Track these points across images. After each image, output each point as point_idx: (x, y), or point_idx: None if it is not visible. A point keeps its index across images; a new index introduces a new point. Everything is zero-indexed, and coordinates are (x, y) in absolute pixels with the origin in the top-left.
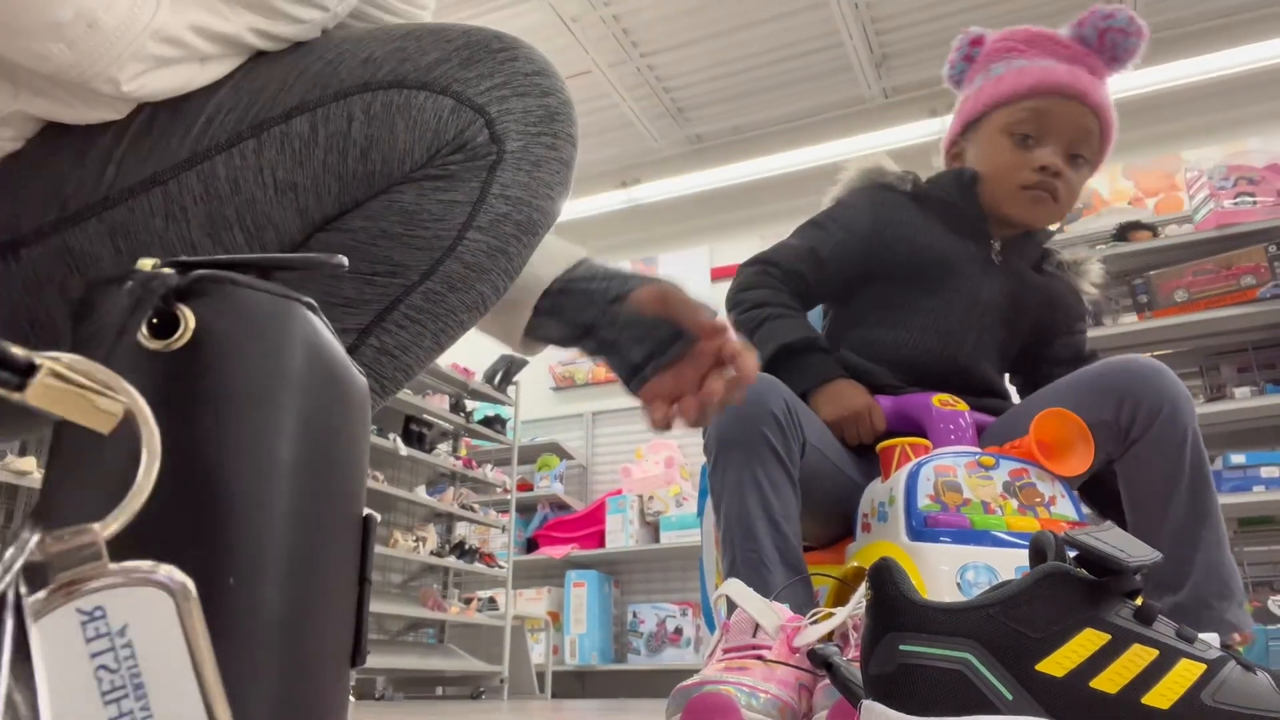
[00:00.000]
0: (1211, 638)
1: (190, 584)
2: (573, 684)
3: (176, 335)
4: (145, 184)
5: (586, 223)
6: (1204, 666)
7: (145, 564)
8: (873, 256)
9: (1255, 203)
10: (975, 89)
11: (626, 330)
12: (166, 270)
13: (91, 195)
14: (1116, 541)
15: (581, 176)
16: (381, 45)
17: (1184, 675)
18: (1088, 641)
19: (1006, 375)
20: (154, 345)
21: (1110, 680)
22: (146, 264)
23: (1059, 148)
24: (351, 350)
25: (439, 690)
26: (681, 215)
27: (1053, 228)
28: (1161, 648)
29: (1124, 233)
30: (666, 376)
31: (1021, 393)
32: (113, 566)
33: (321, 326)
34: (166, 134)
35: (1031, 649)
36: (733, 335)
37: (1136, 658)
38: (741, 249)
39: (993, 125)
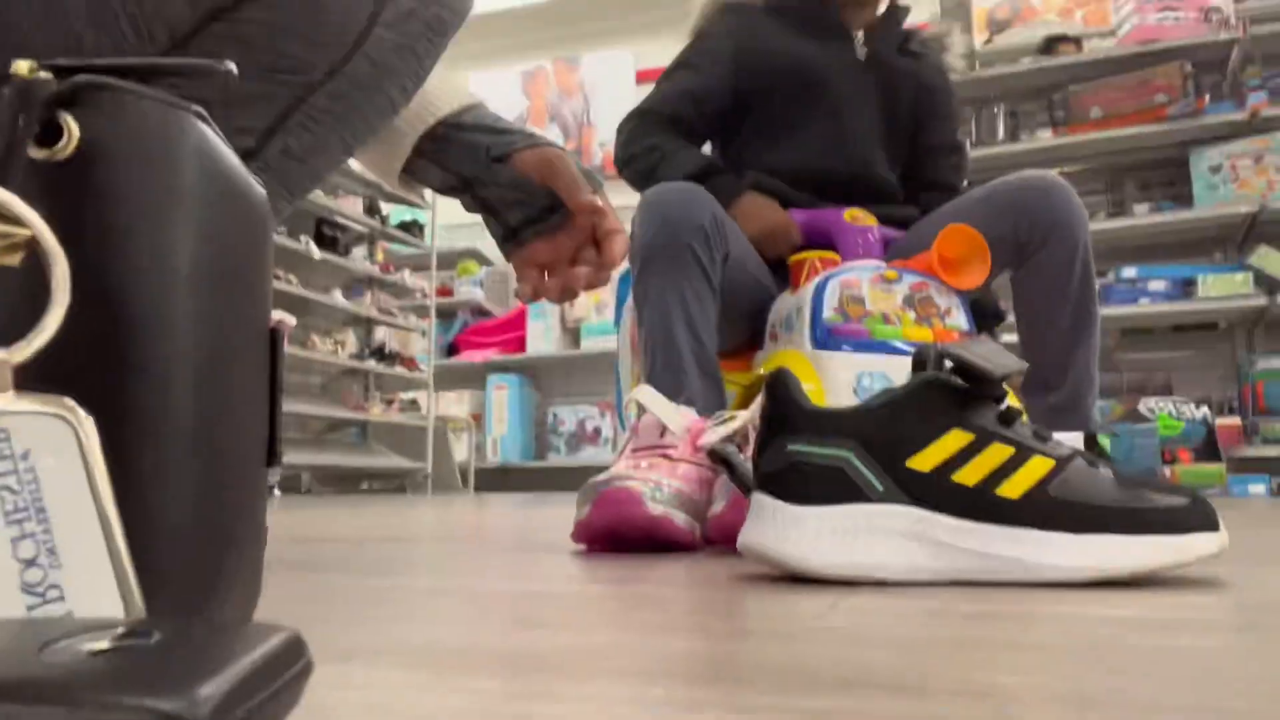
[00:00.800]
0: (1071, 437)
1: (91, 420)
2: (495, 479)
3: (60, 146)
4: None
5: (504, 15)
6: (1053, 463)
7: (51, 396)
8: (744, 82)
9: (1178, 19)
10: None
11: (506, 192)
12: (45, 75)
13: None
14: (985, 353)
15: None
16: None
17: (1034, 470)
18: (954, 441)
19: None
20: (40, 155)
21: (970, 474)
22: (22, 66)
23: None
24: (253, 153)
25: (364, 485)
26: (605, 11)
27: (902, 5)
28: (1018, 446)
29: (1050, 45)
30: (541, 244)
31: (906, 194)
32: (18, 394)
33: (214, 136)
34: None
35: (904, 448)
36: (609, 215)
37: (995, 454)
38: (669, 52)
39: None
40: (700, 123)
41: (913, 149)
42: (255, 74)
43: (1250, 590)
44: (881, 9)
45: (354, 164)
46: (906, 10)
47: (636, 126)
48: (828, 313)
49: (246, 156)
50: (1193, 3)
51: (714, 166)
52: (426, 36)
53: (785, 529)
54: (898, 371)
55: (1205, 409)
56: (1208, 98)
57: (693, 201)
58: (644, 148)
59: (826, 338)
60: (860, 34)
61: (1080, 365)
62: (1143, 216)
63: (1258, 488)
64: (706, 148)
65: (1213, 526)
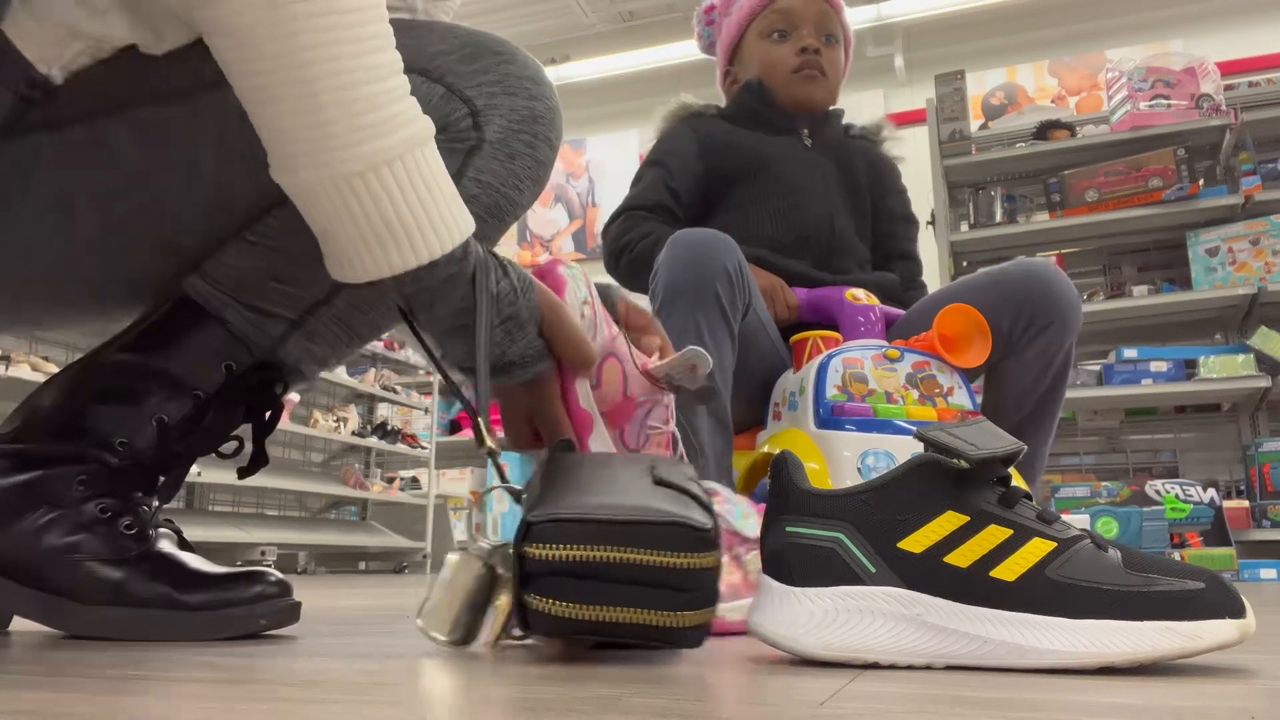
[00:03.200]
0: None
1: None
2: None
3: None
4: (173, 94)
5: None
6: (1054, 544)
7: None
8: (712, 168)
9: (1169, 105)
10: (728, 22)
11: None
12: None
13: (127, 93)
14: (968, 435)
15: None
16: (397, 30)
17: (1033, 552)
18: (947, 523)
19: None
20: None
21: (963, 556)
22: None
23: (810, 31)
24: (325, 302)
25: (362, 565)
26: (611, 96)
27: (837, 108)
28: (1016, 528)
29: (1043, 131)
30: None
31: (875, 266)
32: None
33: None
34: (208, 53)
35: (895, 529)
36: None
37: (990, 537)
38: None
39: (751, 38)
40: (680, 210)
41: (875, 222)
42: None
43: (1263, 678)
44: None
45: None
46: (840, 112)
47: (625, 222)
48: (831, 391)
49: (318, 305)
50: (1184, 90)
51: None
52: (483, 219)
53: (780, 609)
54: (903, 450)
55: (1213, 491)
56: (1201, 182)
57: (720, 246)
58: (638, 235)
59: (830, 417)
60: (805, 130)
61: (1030, 452)
62: (1141, 298)
63: (1269, 573)
64: None
65: (1234, 612)
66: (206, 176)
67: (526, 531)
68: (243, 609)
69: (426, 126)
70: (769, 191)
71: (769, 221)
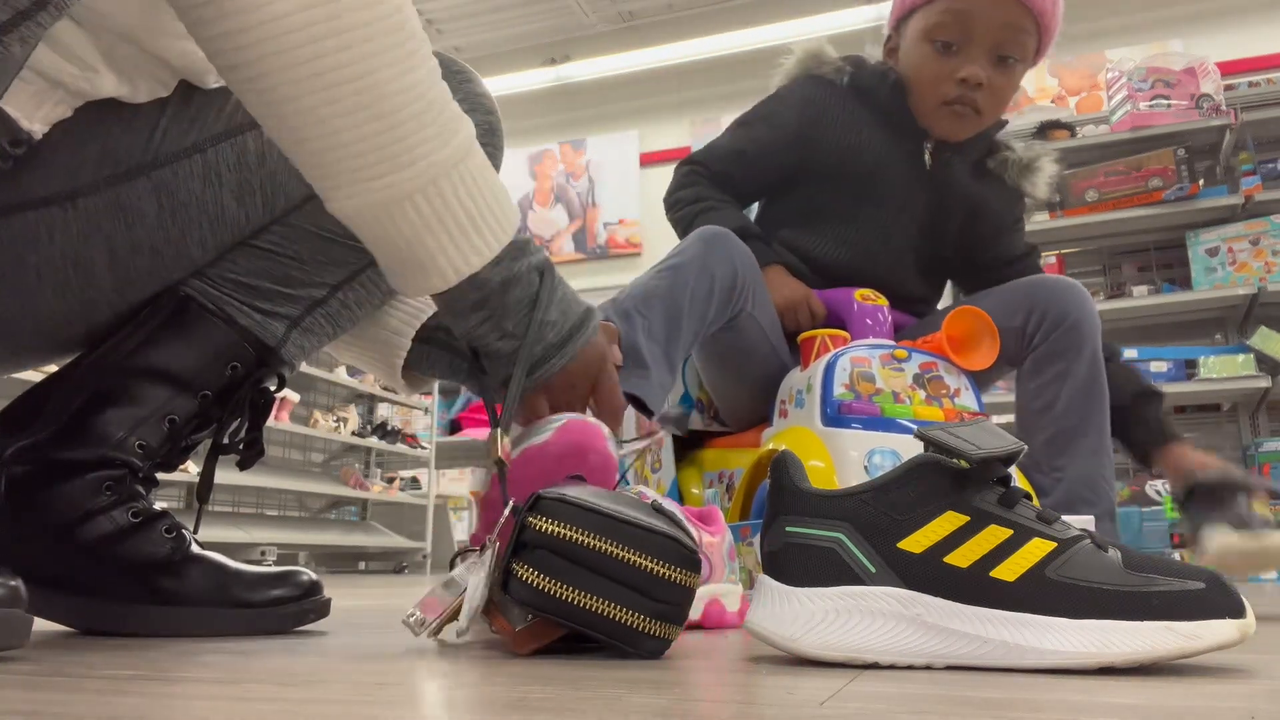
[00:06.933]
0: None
1: None
2: None
3: None
4: (188, 150)
5: (514, 100)
6: (1054, 544)
7: None
8: (800, 157)
9: (1169, 105)
10: None
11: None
12: None
13: (141, 157)
14: (969, 435)
15: (509, 50)
16: None
17: (1033, 552)
18: (947, 523)
19: (942, 281)
20: None
21: (963, 556)
22: None
23: (983, 51)
24: (322, 302)
25: (361, 565)
26: (611, 96)
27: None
28: (1016, 528)
29: (1044, 131)
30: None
31: (966, 293)
32: None
33: None
34: (204, 109)
35: (895, 529)
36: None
37: (990, 537)
38: (672, 134)
39: (915, 28)
40: (746, 184)
41: (977, 260)
42: (344, 246)
43: (1263, 678)
44: (968, 134)
45: None
46: (1002, 124)
47: (685, 175)
48: (838, 390)
49: (316, 305)
50: (1184, 91)
51: (749, 232)
52: None
53: (779, 609)
54: (909, 449)
55: None
56: (1201, 182)
57: (730, 252)
58: (688, 198)
59: (837, 415)
60: (932, 144)
61: (1075, 472)
62: (1141, 298)
63: (1269, 573)
64: (755, 208)
65: (1234, 613)
66: (229, 221)
67: (535, 503)
68: (293, 605)
69: (469, 121)
70: (849, 213)
71: (830, 244)
